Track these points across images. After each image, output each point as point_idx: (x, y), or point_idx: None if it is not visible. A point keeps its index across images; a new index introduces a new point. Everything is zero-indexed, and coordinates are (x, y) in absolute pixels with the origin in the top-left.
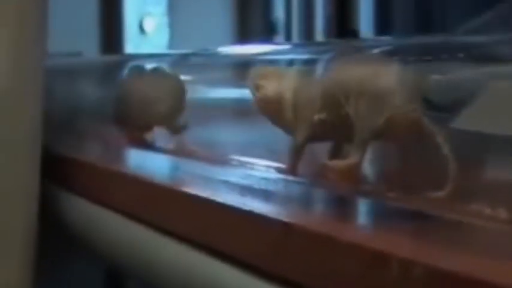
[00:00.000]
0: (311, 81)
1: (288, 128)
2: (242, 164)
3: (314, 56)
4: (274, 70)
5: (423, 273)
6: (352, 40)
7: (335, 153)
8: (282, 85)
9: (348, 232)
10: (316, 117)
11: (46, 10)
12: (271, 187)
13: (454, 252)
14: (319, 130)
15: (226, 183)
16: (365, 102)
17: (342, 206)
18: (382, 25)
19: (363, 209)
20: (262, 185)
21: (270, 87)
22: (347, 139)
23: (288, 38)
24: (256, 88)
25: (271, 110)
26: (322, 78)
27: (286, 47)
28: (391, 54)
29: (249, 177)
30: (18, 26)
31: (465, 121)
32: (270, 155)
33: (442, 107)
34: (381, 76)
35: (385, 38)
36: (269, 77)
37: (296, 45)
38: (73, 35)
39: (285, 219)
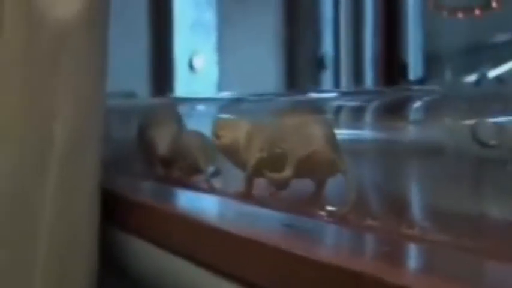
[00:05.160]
0: (258, 129)
1: (243, 166)
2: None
3: (360, 103)
4: (230, 121)
5: None
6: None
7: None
8: (235, 134)
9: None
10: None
11: (107, 54)
12: (325, 232)
13: None
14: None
15: (285, 227)
16: (297, 140)
17: (402, 253)
18: (432, 58)
19: (422, 254)
20: (317, 230)
21: (227, 136)
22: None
23: (336, 72)
24: (216, 137)
25: (229, 154)
26: (267, 126)
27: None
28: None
29: (300, 220)
30: (82, 71)
31: None
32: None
33: (493, 147)
34: (308, 124)
35: (435, 87)
36: (226, 127)
37: (343, 93)
38: (124, 73)
39: (356, 268)
